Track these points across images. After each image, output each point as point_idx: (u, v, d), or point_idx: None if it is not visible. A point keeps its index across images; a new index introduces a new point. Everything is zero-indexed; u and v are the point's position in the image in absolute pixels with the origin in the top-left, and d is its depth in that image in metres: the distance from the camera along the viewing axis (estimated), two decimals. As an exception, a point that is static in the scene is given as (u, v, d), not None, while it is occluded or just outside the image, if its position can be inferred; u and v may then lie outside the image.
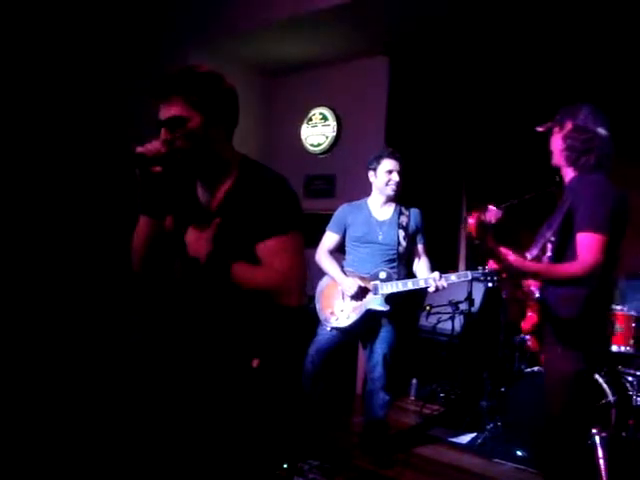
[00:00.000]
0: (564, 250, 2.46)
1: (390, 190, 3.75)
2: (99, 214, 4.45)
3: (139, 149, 1.74)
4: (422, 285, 3.59)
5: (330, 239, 3.88)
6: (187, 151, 1.78)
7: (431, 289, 3.55)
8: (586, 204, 2.34)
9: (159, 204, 1.85)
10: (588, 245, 2.29)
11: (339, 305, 3.77)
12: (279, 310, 1.83)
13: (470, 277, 3.56)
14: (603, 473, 3.48)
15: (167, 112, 1.77)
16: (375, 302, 3.66)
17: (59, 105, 4.61)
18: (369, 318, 3.71)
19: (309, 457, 3.68)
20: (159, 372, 2.01)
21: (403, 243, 3.72)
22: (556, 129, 2.57)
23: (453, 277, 3.58)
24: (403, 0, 4.49)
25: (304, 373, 3.70)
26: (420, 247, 3.83)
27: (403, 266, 3.76)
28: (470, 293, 4.95)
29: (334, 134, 5.90)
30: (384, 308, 3.65)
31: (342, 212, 3.92)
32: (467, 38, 4.99)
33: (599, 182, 2.41)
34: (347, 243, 3.86)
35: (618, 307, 3.98)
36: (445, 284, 3.54)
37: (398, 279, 3.67)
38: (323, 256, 3.85)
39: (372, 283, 3.68)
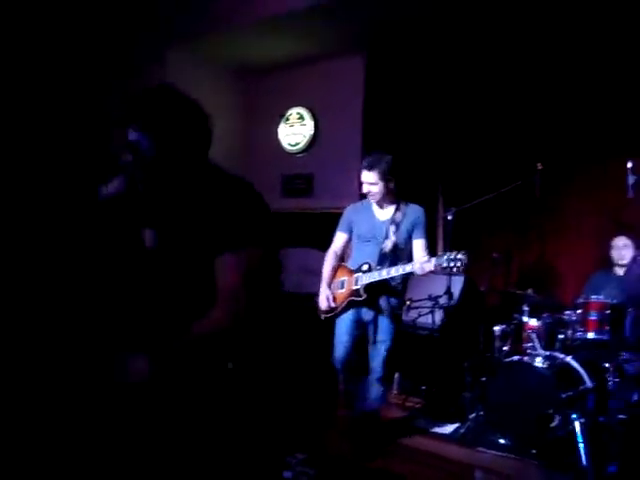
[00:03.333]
0: None
1: (370, 198, 3.91)
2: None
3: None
4: (396, 273, 3.69)
5: (339, 239, 4.09)
6: (144, 178, 1.84)
7: (428, 267, 3.57)
8: None
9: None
10: None
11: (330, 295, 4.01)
12: (255, 310, 1.86)
13: (434, 263, 3.55)
14: (583, 457, 3.58)
15: (129, 136, 1.80)
16: (356, 293, 3.84)
17: (34, 105, 4.58)
18: (359, 310, 3.89)
19: (296, 451, 3.71)
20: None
21: (392, 238, 3.82)
22: None
23: (416, 265, 3.63)
24: (379, 1, 4.55)
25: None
26: (417, 242, 3.86)
27: (399, 261, 3.81)
28: (449, 287, 5.02)
29: (311, 133, 5.96)
30: (360, 297, 3.82)
31: (348, 213, 4.11)
32: (442, 38, 5.08)
33: None
34: (352, 241, 4.05)
35: (593, 296, 4.08)
36: (428, 265, 3.57)
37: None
38: (327, 258, 4.09)
39: (355, 275, 3.87)
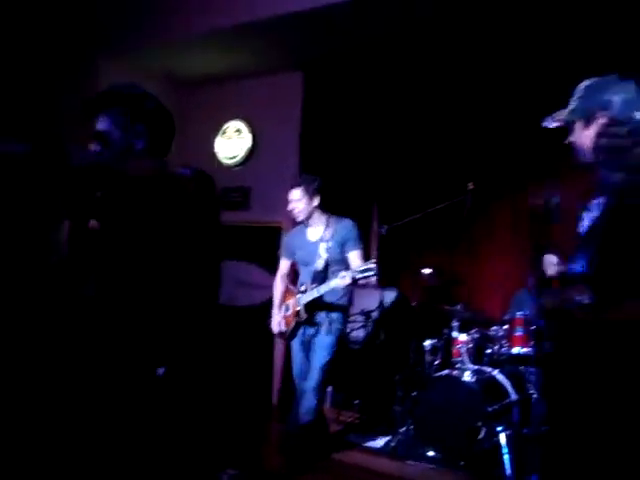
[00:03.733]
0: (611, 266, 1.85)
1: (296, 217, 4.05)
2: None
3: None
4: (330, 286, 3.75)
5: (282, 265, 4.29)
6: (111, 162, 1.87)
7: (345, 281, 3.62)
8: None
9: (81, 209, 1.88)
10: None
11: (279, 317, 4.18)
12: (189, 314, 1.86)
13: (351, 276, 3.60)
14: (508, 468, 3.71)
15: (97, 125, 1.88)
16: (299, 314, 3.98)
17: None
18: (305, 329, 4.01)
19: (227, 466, 3.68)
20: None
21: (324, 256, 3.92)
22: (579, 124, 1.99)
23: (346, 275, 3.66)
24: (317, 18, 4.62)
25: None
26: (351, 255, 3.90)
27: (334, 277, 3.80)
28: (381, 302, 5.11)
29: (248, 147, 5.96)
30: (302, 318, 3.95)
31: (288, 238, 4.32)
32: (378, 59, 5.19)
33: None
34: (297, 265, 4.22)
35: (519, 313, 4.23)
36: (345, 278, 3.62)
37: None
38: (275, 284, 4.28)
39: (296, 297, 4.02)
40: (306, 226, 4.08)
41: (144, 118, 1.92)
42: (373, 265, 3.55)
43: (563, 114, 2.01)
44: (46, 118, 4.63)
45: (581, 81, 2.05)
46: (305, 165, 5.41)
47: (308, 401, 3.88)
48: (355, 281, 3.61)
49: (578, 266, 1.93)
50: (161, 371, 1.81)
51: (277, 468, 3.88)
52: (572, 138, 2.00)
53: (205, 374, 2.00)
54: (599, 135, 1.91)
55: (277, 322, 4.15)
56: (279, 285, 4.26)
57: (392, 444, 4.38)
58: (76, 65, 5.25)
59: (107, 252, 1.90)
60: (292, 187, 3.99)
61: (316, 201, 3.98)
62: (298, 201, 3.96)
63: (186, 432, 1.91)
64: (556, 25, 4.46)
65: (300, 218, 4.03)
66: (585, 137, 1.94)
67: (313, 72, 5.58)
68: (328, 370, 3.92)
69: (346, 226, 3.97)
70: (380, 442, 4.51)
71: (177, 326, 1.86)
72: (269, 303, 5.71)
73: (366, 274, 3.56)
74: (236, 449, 3.96)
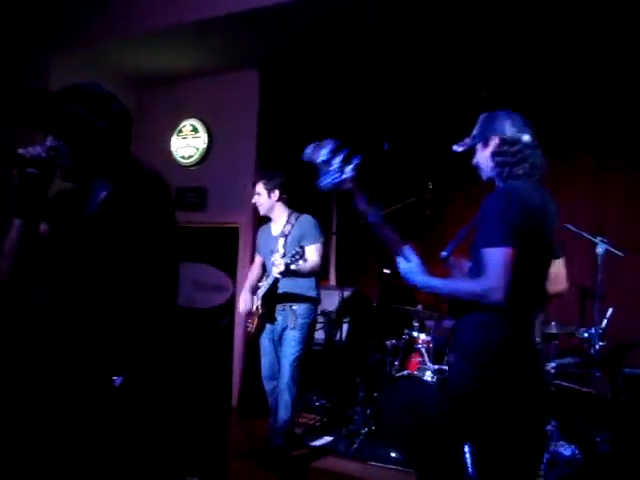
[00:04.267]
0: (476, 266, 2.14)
1: (259, 210, 4.14)
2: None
3: (20, 150, 1.73)
4: (272, 277, 3.81)
5: (255, 261, 4.34)
6: (69, 160, 1.80)
7: (273, 273, 3.76)
8: (489, 215, 2.10)
9: (33, 207, 1.80)
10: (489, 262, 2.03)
11: (248, 319, 4.21)
12: (147, 318, 1.80)
13: (284, 262, 3.67)
14: (469, 467, 3.71)
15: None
16: (258, 308, 4.06)
17: None
18: (271, 327, 4.03)
19: (188, 474, 3.59)
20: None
21: (281, 250, 3.94)
22: (479, 146, 2.35)
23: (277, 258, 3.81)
24: (273, 16, 4.56)
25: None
26: (308, 249, 3.81)
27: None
28: (341, 302, 5.10)
29: (205, 146, 5.85)
30: (259, 312, 4.02)
31: (258, 233, 4.30)
32: (334, 53, 5.14)
33: (512, 188, 2.18)
34: None
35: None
36: (279, 265, 3.69)
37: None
38: (248, 274, 4.35)
39: (258, 292, 4.10)
40: (272, 222, 4.14)
41: (108, 119, 1.85)
42: (300, 249, 3.63)
43: (467, 140, 2.39)
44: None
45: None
46: (262, 164, 5.33)
47: (283, 398, 3.89)
48: (288, 267, 3.64)
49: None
50: (119, 380, 1.73)
51: (240, 475, 3.80)
52: (475, 159, 2.38)
53: (165, 380, 1.94)
54: (493, 154, 2.28)
55: (243, 299, 4.16)
56: (252, 273, 4.29)
57: (355, 446, 4.35)
58: (27, 59, 5.06)
59: (59, 255, 1.83)
60: (255, 180, 4.09)
61: (275, 196, 4.01)
62: (259, 195, 4.04)
63: (146, 442, 1.83)
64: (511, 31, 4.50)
65: (261, 212, 4.12)
66: (483, 157, 2.33)
67: (269, 70, 5.50)
68: (299, 365, 3.93)
69: (305, 221, 4.02)
70: (342, 444, 4.47)
71: (135, 332, 1.79)
72: (226, 305, 5.66)
73: (295, 257, 3.61)
74: (198, 455, 3.87)
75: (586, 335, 4.01)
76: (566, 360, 4.12)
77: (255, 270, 4.27)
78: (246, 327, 4.21)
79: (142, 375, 1.82)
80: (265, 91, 5.56)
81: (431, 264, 2.42)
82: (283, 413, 3.89)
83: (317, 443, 4.54)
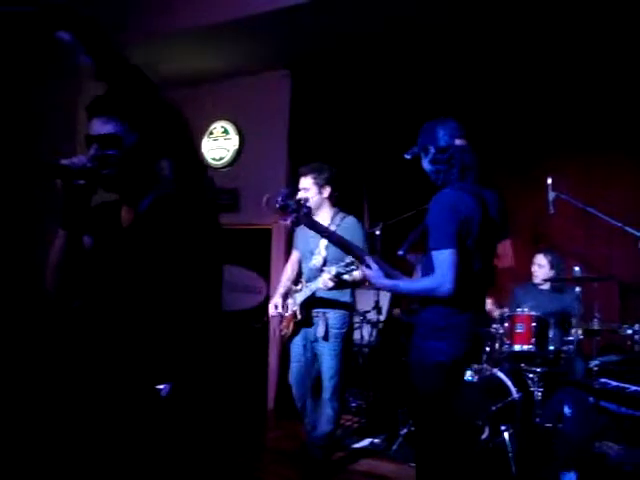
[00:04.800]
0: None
1: None
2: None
3: (64, 161, 1.68)
4: (318, 285, 3.52)
5: (292, 256, 4.06)
6: (116, 169, 1.76)
7: (319, 284, 3.48)
8: (431, 222, 2.45)
9: (77, 219, 1.77)
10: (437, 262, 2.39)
11: (283, 322, 3.92)
12: (194, 329, 1.79)
13: (336, 271, 3.39)
14: (512, 465, 3.65)
15: (101, 129, 1.75)
16: (295, 314, 3.76)
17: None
18: (305, 332, 3.77)
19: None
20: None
21: (323, 253, 3.66)
22: (422, 155, 2.66)
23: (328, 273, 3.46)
24: (303, 15, 4.54)
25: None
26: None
27: None
28: (377, 301, 5.05)
29: (236, 148, 5.86)
30: (297, 318, 3.72)
31: (297, 229, 3.95)
32: (367, 52, 5.11)
33: (445, 196, 2.48)
34: None
35: (519, 309, 4.17)
36: (328, 280, 3.42)
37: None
38: (285, 269, 4.07)
39: (294, 296, 3.80)
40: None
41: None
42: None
43: (414, 149, 2.69)
44: (23, 118, 4.49)
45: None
46: (294, 165, 5.31)
47: (325, 412, 3.71)
48: (339, 277, 3.37)
49: None
50: (165, 389, 1.72)
51: (276, 477, 3.78)
52: (422, 166, 2.67)
53: (209, 388, 1.92)
54: (430, 162, 2.61)
55: (274, 304, 3.85)
56: (286, 271, 4.03)
57: (394, 447, 4.30)
58: (57, 61, 5.10)
59: (105, 264, 1.82)
60: (301, 174, 3.74)
61: (327, 192, 3.72)
62: (306, 191, 3.68)
63: (189, 448, 1.82)
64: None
65: (313, 208, 3.69)
66: (426, 164, 2.64)
67: (300, 70, 5.49)
68: (339, 379, 3.68)
69: (352, 224, 3.70)
70: (381, 444, 4.43)
71: (181, 339, 1.78)
72: (261, 307, 5.65)
73: (351, 268, 3.33)
74: (235, 458, 3.86)
75: (630, 332, 3.91)
76: (609, 358, 4.03)
77: (291, 267, 4.01)
78: (280, 331, 3.97)
79: (188, 383, 1.80)
80: (296, 91, 5.55)
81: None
82: (325, 426, 3.72)
83: (355, 445, 4.50)
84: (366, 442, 4.53)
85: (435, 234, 2.42)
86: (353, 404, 5.17)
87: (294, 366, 3.84)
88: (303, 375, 3.81)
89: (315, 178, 3.68)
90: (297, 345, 3.82)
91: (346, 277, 3.40)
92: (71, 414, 1.80)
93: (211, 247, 1.83)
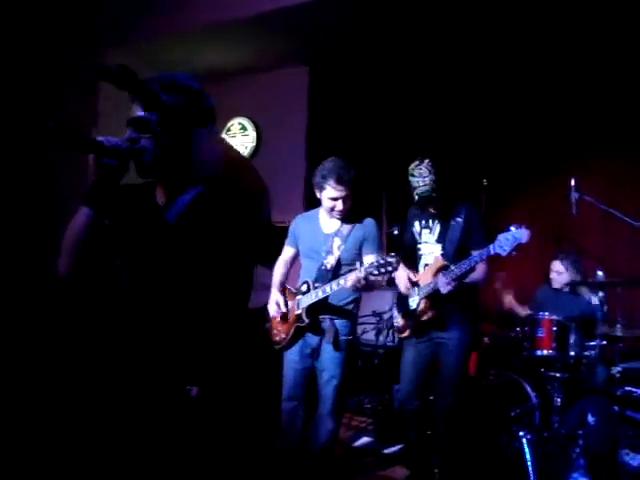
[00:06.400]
0: None
1: (336, 216, 3.43)
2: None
3: (99, 137, 1.65)
4: (332, 290, 3.24)
5: (285, 252, 3.69)
6: (148, 153, 1.72)
7: (348, 283, 3.12)
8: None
9: (105, 197, 1.73)
10: None
11: (276, 326, 3.55)
12: (223, 330, 1.76)
13: (366, 271, 3.06)
14: (530, 472, 3.57)
15: (134, 112, 1.74)
16: (299, 318, 3.41)
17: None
18: (305, 338, 3.44)
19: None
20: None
21: (336, 253, 3.39)
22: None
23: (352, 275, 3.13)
24: (322, 11, 4.49)
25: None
26: (369, 258, 3.31)
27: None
28: (394, 302, 4.97)
29: (253, 145, 5.82)
30: (303, 323, 3.38)
31: (294, 224, 3.71)
32: (388, 51, 5.06)
33: None
34: (300, 258, 3.64)
35: (540, 313, 4.05)
36: (356, 280, 3.09)
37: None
38: (275, 269, 3.66)
39: (296, 298, 3.46)
40: (320, 213, 3.55)
41: (207, 119, 1.82)
42: (393, 260, 3.01)
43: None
44: (47, 107, 4.48)
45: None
46: (312, 163, 5.25)
47: (326, 426, 3.38)
48: (368, 278, 3.05)
49: None
50: (194, 391, 1.68)
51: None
52: None
53: (237, 388, 1.89)
54: None
55: (274, 301, 3.50)
56: (279, 267, 3.65)
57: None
58: (81, 54, 5.08)
59: (138, 258, 1.80)
60: (336, 182, 3.28)
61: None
62: (345, 199, 3.34)
63: (214, 453, 1.78)
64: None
65: (343, 216, 3.41)
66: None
67: (319, 67, 5.44)
68: (342, 391, 3.37)
69: (367, 224, 3.45)
70: (396, 448, 4.36)
71: (214, 338, 1.77)
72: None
73: (385, 269, 3.00)
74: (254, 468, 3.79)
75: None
76: (633, 364, 3.93)
77: (284, 265, 3.66)
78: (274, 336, 3.54)
79: (218, 384, 1.79)
80: (315, 88, 5.50)
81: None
82: (324, 439, 3.39)
83: (369, 447, 4.46)
84: (378, 444, 4.47)
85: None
86: (367, 406, 5.10)
87: (289, 376, 3.47)
88: (297, 388, 3.44)
89: (349, 183, 3.33)
90: (293, 353, 3.47)
91: (373, 279, 3.09)
92: (99, 411, 1.80)
93: (246, 247, 1.82)
